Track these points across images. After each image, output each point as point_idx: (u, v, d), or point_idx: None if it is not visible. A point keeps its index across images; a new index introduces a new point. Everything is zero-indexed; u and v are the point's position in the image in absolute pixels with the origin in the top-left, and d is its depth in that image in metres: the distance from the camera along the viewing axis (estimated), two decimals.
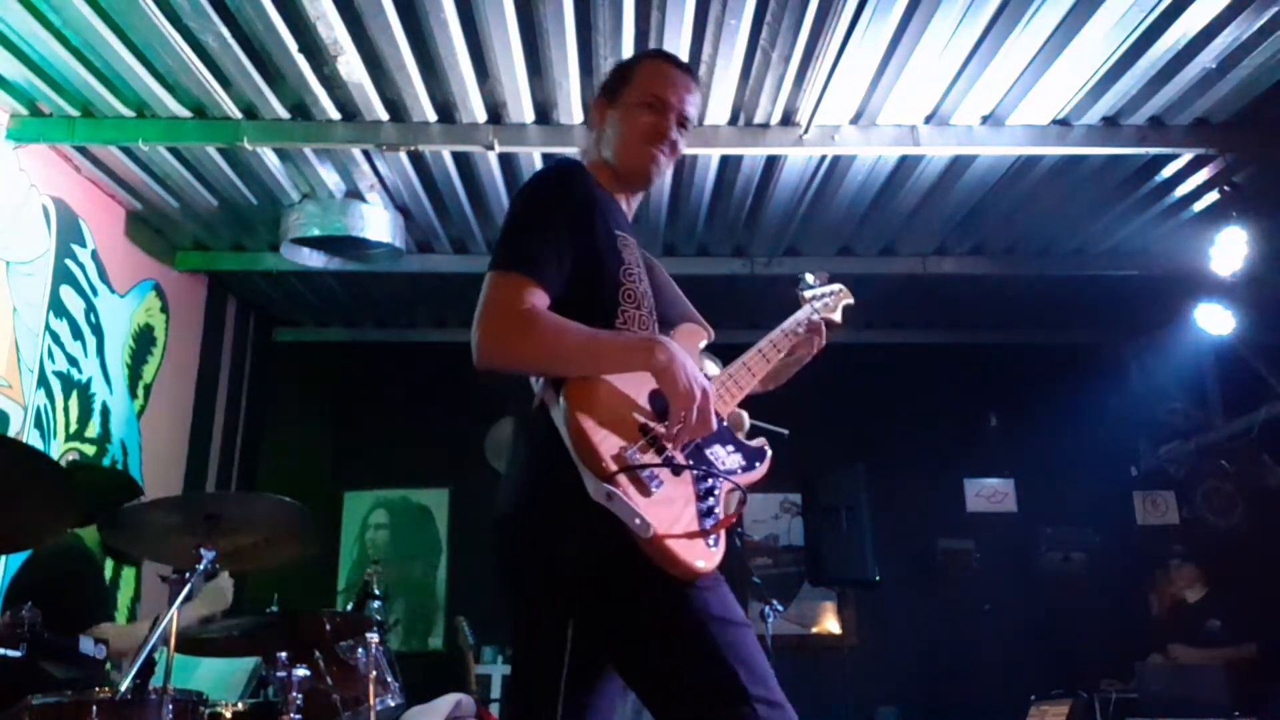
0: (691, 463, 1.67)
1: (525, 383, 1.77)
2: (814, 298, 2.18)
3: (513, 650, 1.81)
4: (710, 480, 1.67)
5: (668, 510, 1.57)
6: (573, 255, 1.73)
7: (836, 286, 2.25)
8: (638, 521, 1.51)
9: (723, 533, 1.64)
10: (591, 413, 1.61)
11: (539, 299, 1.66)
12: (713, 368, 2.16)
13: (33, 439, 4.40)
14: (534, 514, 1.68)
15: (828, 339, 2.11)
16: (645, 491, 1.57)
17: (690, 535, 1.57)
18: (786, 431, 3.28)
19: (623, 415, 1.65)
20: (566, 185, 1.83)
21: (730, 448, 1.75)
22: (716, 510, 1.64)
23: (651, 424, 1.66)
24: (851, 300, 2.26)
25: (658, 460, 1.61)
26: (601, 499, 1.53)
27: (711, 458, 1.73)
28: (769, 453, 1.80)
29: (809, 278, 2.24)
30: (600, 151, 1.98)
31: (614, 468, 1.55)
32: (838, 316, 2.21)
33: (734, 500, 1.72)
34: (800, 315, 2.10)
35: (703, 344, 1.97)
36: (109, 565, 3.95)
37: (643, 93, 1.95)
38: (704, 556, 1.58)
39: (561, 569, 1.59)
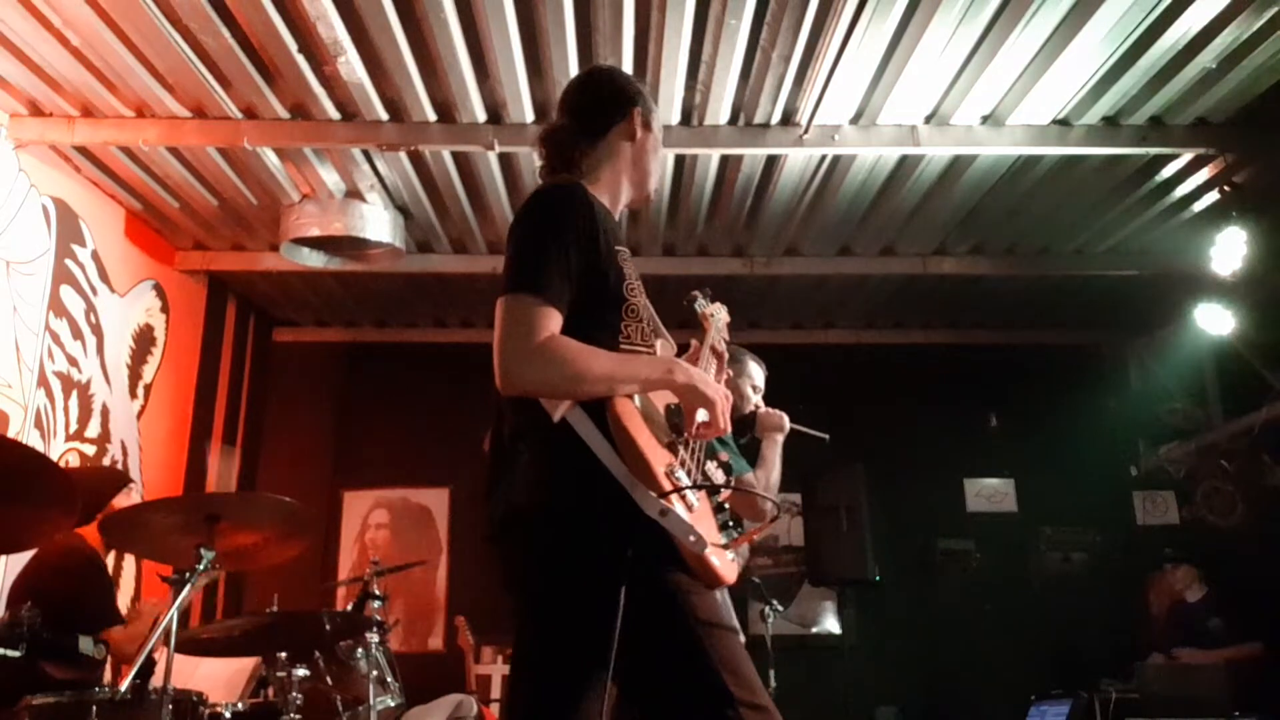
0: (733, 484, 1.84)
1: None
2: (712, 315, 2.24)
3: (519, 649, 1.80)
4: (718, 496, 1.79)
5: (704, 525, 1.66)
6: (579, 272, 1.75)
7: (721, 306, 2.30)
8: (692, 539, 1.59)
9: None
10: (640, 432, 1.67)
11: (555, 322, 1.69)
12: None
13: (33, 439, 4.39)
14: (566, 519, 1.68)
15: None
16: (689, 507, 1.66)
17: (723, 548, 1.68)
18: (827, 436, 3.33)
19: (657, 432, 1.75)
20: (572, 205, 1.82)
21: (714, 464, 1.86)
22: (730, 524, 1.75)
23: (676, 440, 1.77)
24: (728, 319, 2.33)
25: (696, 480, 1.73)
26: (654, 514, 1.59)
27: (708, 473, 1.85)
28: (734, 474, 1.92)
29: (703, 295, 2.29)
30: (619, 163, 2.00)
31: (669, 486, 1.62)
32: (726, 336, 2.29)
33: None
34: (713, 337, 2.19)
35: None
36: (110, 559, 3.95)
37: (658, 137, 2.09)
38: (731, 569, 1.69)
39: (597, 569, 1.61)
